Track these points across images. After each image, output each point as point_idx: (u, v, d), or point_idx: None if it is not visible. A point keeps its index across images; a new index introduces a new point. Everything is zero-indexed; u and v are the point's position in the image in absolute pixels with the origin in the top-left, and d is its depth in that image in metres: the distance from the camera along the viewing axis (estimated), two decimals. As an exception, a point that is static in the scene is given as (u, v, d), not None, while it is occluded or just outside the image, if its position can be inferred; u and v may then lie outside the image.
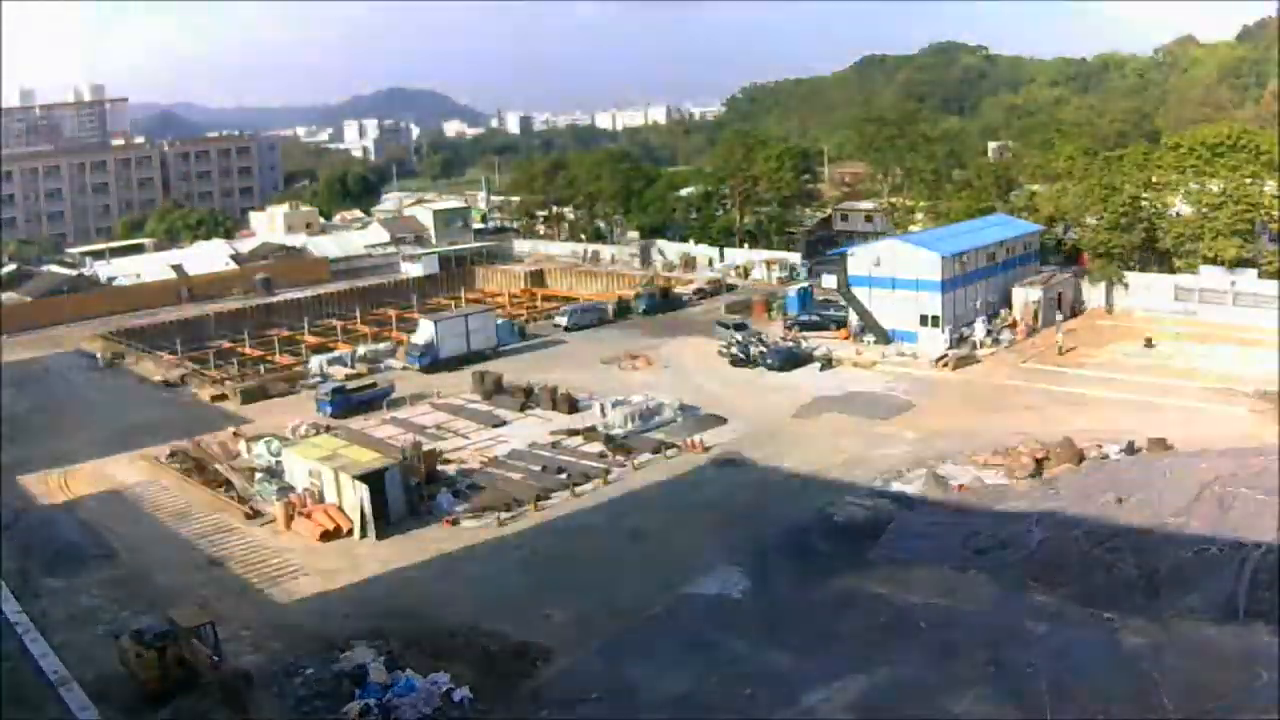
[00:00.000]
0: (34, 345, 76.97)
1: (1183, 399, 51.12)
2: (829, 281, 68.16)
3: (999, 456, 43.07)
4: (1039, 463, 41.27)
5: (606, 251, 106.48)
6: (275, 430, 51.75)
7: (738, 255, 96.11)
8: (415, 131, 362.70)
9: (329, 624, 32.54)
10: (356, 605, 33.84)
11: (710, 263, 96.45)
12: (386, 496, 40.36)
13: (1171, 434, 43.64)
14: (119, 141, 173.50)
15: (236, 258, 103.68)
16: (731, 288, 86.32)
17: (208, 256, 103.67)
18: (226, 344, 77.52)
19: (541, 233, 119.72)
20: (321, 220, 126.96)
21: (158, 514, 43.26)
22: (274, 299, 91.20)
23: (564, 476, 44.48)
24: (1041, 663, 27.43)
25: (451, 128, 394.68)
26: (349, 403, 55.94)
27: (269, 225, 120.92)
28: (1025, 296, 68.20)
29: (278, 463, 45.98)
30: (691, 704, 27.35)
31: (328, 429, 51.04)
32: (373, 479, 40.03)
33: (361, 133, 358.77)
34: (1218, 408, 49.34)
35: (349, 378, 60.93)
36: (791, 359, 61.13)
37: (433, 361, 64.53)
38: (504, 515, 40.63)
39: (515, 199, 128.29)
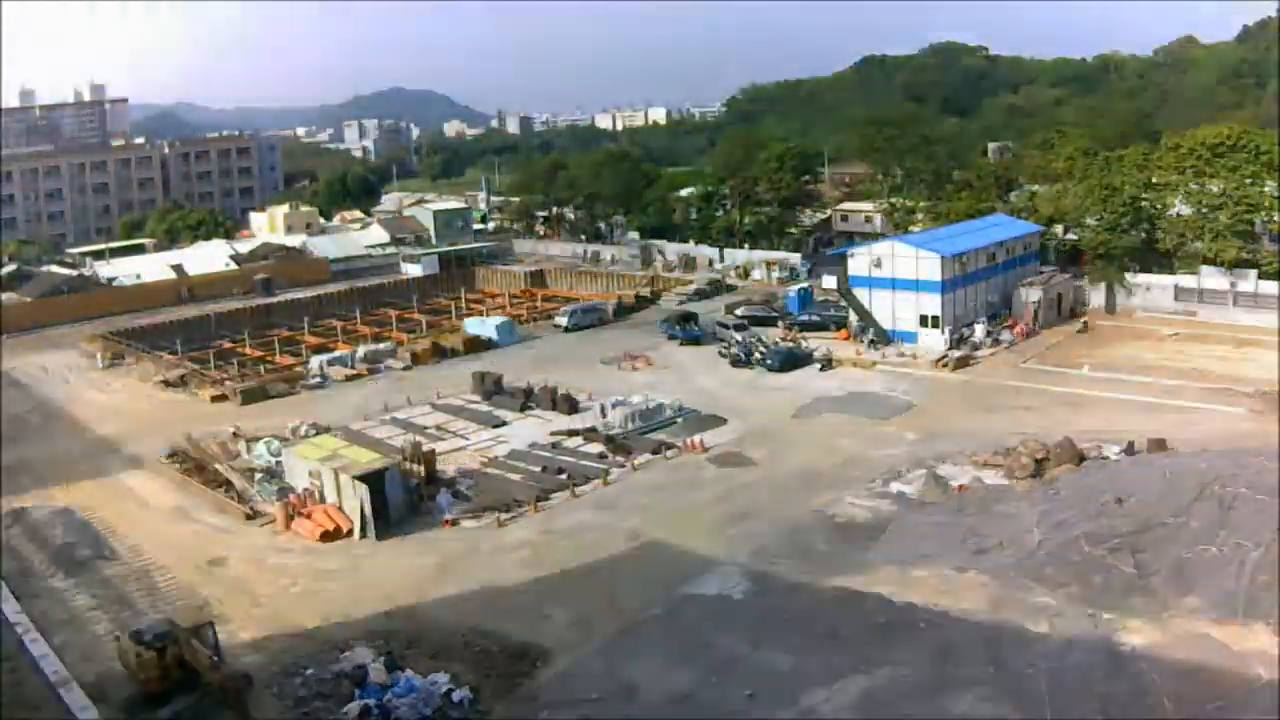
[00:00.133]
0: (34, 345, 76.97)
1: (1183, 399, 51.13)
2: (829, 282, 68.20)
3: (999, 457, 43.06)
4: (1039, 463, 41.21)
5: (607, 252, 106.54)
6: (275, 430, 51.77)
7: (738, 256, 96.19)
8: (415, 132, 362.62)
9: (329, 624, 32.54)
10: (356, 605, 33.81)
11: (710, 263, 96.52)
12: (386, 497, 40.35)
13: (1171, 434, 43.60)
14: (119, 142, 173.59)
15: (236, 258, 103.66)
16: (731, 288, 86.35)
17: (208, 257, 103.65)
18: (227, 344, 77.56)
19: (541, 233, 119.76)
20: (321, 220, 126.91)
21: (158, 514, 43.26)
22: (274, 299, 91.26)
23: (564, 477, 44.49)
24: (1041, 663, 27.42)
25: (451, 128, 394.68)
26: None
27: (269, 225, 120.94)
28: (1025, 297, 68.24)
29: (278, 463, 45.98)
30: (691, 704, 27.34)
31: (327, 429, 51.08)
32: (373, 479, 40.02)
33: (361, 133, 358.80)
34: (1218, 408, 49.35)
35: (349, 378, 60.94)
36: (791, 359, 61.14)
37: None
38: (504, 516, 40.61)
39: (515, 199, 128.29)
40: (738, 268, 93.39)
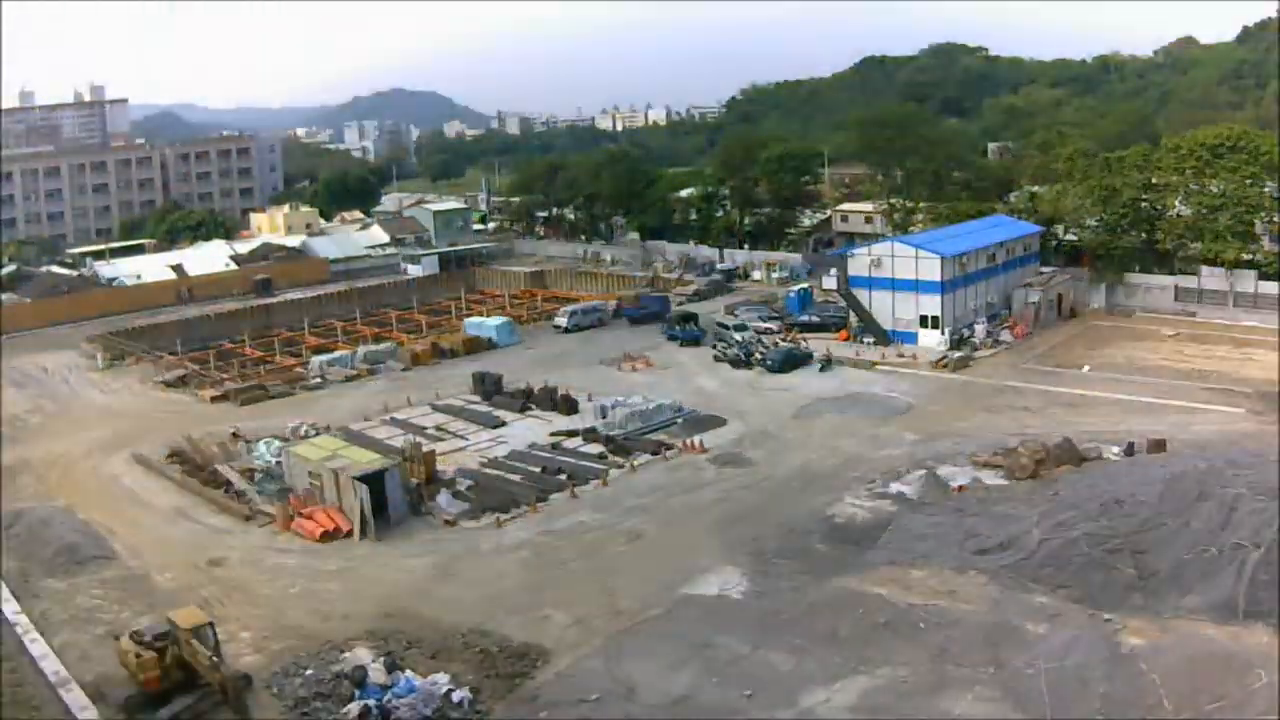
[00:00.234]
0: (34, 346, 76.95)
1: (1183, 399, 51.14)
2: (829, 283, 68.26)
3: (999, 457, 43.06)
4: (1038, 463, 41.21)
5: (607, 253, 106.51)
6: (275, 431, 51.77)
7: (738, 256, 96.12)
8: (415, 132, 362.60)
9: (328, 624, 32.55)
10: (356, 606, 33.82)
11: (710, 264, 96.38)
12: (386, 497, 40.37)
13: (1171, 434, 43.66)
14: (119, 142, 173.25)
15: (236, 258, 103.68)
16: (731, 289, 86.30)
17: (208, 257, 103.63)
18: (227, 345, 77.56)
19: (541, 234, 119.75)
20: (321, 221, 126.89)
21: (157, 514, 43.24)
22: (274, 300, 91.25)
23: (563, 477, 44.48)
24: (1041, 663, 27.41)
25: (452, 129, 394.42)
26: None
27: (269, 226, 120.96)
28: (1025, 297, 68.24)
29: (277, 463, 45.96)
30: (691, 704, 27.34)
31: (326, 429, 51.08)
32: (373, 480, 40.03)
33: (362, 133, 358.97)
34: (1218, 408, 49.36)
35: (349, 379, 60.95)
36: (791, 360, 61.14)
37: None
38: (503, 516, 40.62)
39: (515, 200, 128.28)
40: (738, 268, 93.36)
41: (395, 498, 40.70)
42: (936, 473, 41.92)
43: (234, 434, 51.83)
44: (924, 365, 60.14)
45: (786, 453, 46.63)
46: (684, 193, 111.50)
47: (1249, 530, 31.55)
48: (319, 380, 63.85)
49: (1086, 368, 58.03)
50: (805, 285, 78.56)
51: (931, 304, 63.93)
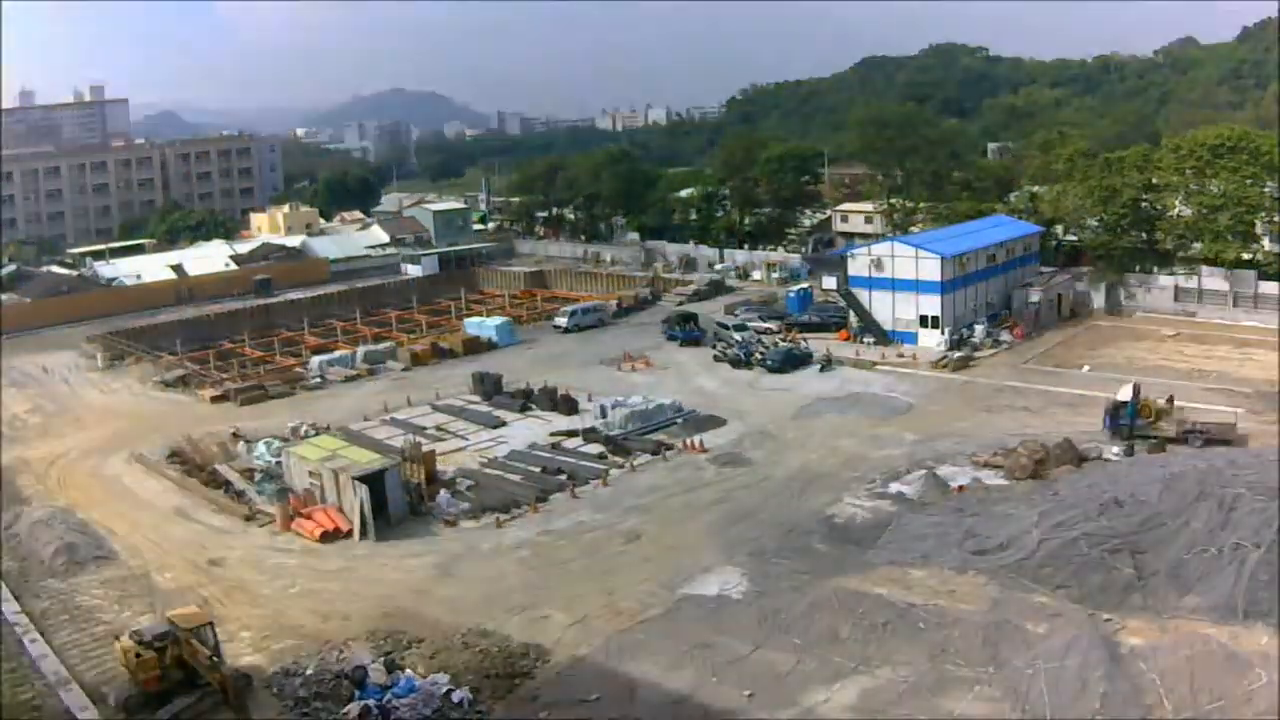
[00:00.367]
0: (34, 346, 76.95)
1: (1182, 399, 51.07)
2: (829, 283, 68.26)
3: (998, 457, 43.09)
4: (1038, 463, 41.25)
5: (607, 253, 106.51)
6: (275, 431, 51.77)
7: (738, 256, 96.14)
8: (415, 132, 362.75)
9: (329, 624, 32.57)
10: (356, 606, 33.84)
11: (710, 264, 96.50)
12: (386, 497, 40.38)
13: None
14: (119, 142, 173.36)
15: (236, 258, 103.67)
16: (731, 289, 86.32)
17: (208, 257, 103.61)
18: (227, 345, 77.54)
19: (541, 234, 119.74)
20: (321, 221, 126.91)
21: (157, 514, 43.24)
22: (274, 300, 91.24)
23: (563, 477, 44.49)
24: (1041, 663, 27.39)
25: (451, 129, 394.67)
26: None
27: (269, 226, 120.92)
28: (1025, 298, 68.23)
29: (277, 463, 45.96)
30: (691, 704, 27.34)
31: (326, 429, 51.07)
32: (373, 480, 40.04)
33: (362, 133, 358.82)
34: (1218, 408, 49.30)
35: (349, 379, 60.94)
36: (791, 360, 61.15)
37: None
38: (503, 516, 40.63)
39: (515, 200, 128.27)
40: (737, 269, 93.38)
41: (395, 498, 40.71)
42: (936, 473, 41.92)
43: (234, 434, 51.84)
44: (924, 365, 60.13)
45: (786, 453, 46.63)
46: (684, 193, 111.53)
47: (1249, 530, 31.52)
48: (319, 380, 63.86)
49: (1086, 368, 58.00)
50: (805, 285, 78.54)
51: (931, 304, 63.92)
